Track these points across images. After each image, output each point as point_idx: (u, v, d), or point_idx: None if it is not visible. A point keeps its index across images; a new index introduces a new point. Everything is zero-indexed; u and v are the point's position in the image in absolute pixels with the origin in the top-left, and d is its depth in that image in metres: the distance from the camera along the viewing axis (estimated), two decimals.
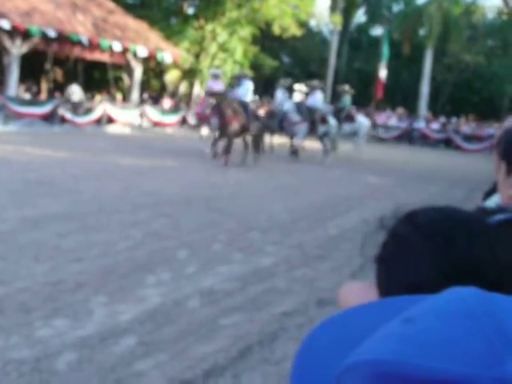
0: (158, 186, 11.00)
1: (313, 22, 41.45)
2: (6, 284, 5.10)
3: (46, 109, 19.75)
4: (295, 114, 17.37)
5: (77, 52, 21.81)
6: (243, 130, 14.91)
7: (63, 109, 20.31)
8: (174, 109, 25.63)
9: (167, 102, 26.60)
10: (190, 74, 30.77)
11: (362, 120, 20.31)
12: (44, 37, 19.61)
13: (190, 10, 32.93)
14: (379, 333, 0.61)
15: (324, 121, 17.75)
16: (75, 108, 20.92)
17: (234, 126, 14.60)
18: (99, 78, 27.04)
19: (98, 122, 21.55)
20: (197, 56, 30.09)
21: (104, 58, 23.01)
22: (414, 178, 15.62)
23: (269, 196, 11.10)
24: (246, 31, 31.19)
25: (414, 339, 0.57)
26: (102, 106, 21.77)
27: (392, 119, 31.98)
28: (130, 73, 24.45)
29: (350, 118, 19.74)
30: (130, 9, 27.95)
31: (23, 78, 20.97)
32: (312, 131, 17.59)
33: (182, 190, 10.81)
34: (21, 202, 8.43)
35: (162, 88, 30.44)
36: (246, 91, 15.45)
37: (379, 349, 0.58)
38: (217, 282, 5.68)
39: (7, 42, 19.05)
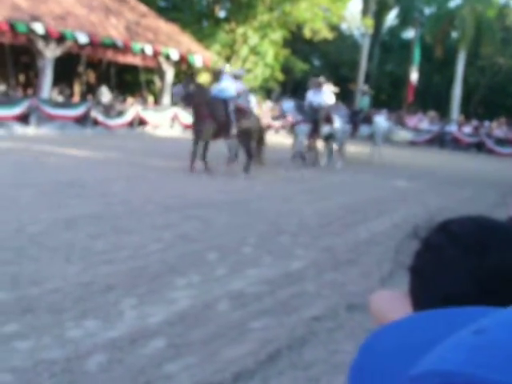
0: (188, 188, 11.06)
1: (344, 25, 41.30)
2: (38, 284, 5.16)
3: (78, 111, 19.96)
4: (296, 113, 16.03)
5: (109, 55, 22.02)
6: (220, 130, 13.21)
7: (95, 111, 20.51)
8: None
9: None
10: (220, 77, 30.83)
11: (379, 120, 19.21)
12: (77, 40, 19.82)
13: (222, 13, 33.06)
14: (449, 342, 0.59)
15: (329, 120, 16.40)
16: (107, 110, 21.14)
17: (209, 124, 13.01)
18: (131, 80, 27.24)
19: (130, 124, 21.73)
20: (228, 59, 30.16)
21: (136, 61, 23.19)
22: (446, 182, 15.46)
23: (298, 199, 11.08)
24: (277, 34, 31.21)
25: (486, 351, 0.56)
26: (134, 109, 21.95)
27: (423, 122, 31.70)
28: (162, 76, 24.61)
29: (369, 120, 18.79)
30: (162, 12, 28.16)
31: (57, 81, 21.22)
32: (314, 132, 16.23)
33: (212, 193, 10.85)
34: (53, 204, 8.53)
35: None
36: (225, 87, 13.67)
37: (450, 359, 0.57)
38: (246, 285, 5.68)
39: (41, 45, 19.30)
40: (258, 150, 13.98)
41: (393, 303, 1.02)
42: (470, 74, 37.86)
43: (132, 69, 25.53)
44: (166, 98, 24.11)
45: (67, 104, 20.59)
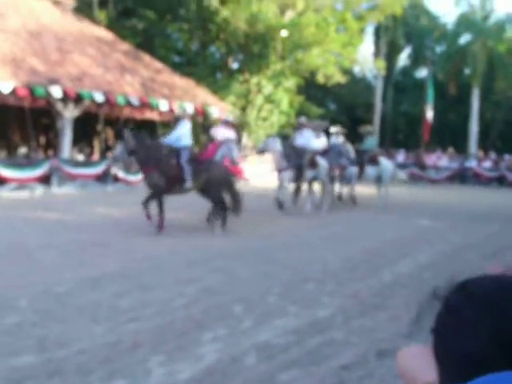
0: (210, 239, 11.09)
1: (357, 68, 41.73)
2: (65, 346, 5.17)
3: (98, 169, 20.20)
4: (280, 158, 15.06)
5: (126, 112, 22.37)
6: (173, 183, 11.78)
7: (115, 168, 20.74)
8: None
9: None
10: (237, 127, 31.15)
11: (386, 163, 18.54)
12: (94, 99, 20.18)
13: (235, 65, 33.57)
14: None
15: (314, 164, 15.59)
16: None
17: (155, 176, 11.63)
18: (149, 135, 27.59)
19: None
20: (243, 109, 30.52)
21: (153, 116, 23.53)
22: (468, 219, 15.34)
23: (321, 244, 11.05)
24: (290, 82, 31.59)
25: None
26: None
27: (442, 160, 31.65)
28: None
29: (374, 161, 17.97)
30: (176, 67, 28.68)
31: (76, 140, 21.55)
32: (298, 177, 15.50)
33: (234, 242, 10.87)
34: (78, 263, 8.59)
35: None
36: (181, 134, 12.14)
37: None
38: (273, 336, 5.65)
39: (60, 107, 19.67)
40: (233, 201, 12.42)
41: (421, 361, 1.03)
42: (486, 108, 37.89)
43: (149, 124, 25.89)
44: None
45: (87, 163, 20.87)
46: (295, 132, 16.42)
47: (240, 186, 14.33)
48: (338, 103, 44.38)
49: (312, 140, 15.90)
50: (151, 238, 11.00)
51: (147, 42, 30.85)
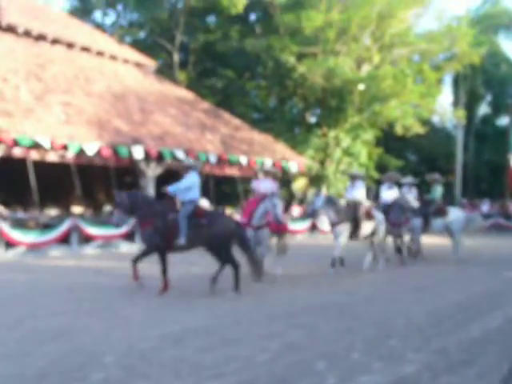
0: (292, 293, 11.01)
1: (436, 118, 41.30)
2: None
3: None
4: (329, 212, 14.08)
5: (207, 169, 22.80)
6: (170, 239, 10.78)
7: None
8: (303, 216, 25.90)
9: (296, 210, 26.97)
10: (316, 181, 31.26)
11: (456, 213, 17.24)
12: (176, 157, 20.70)
13: (313, 119, 33.86)
14: None
15: (370, 217, 14.66)
16: None
17: (150, 232, 10.77)
18: (229, 191, 27.99)
19: None
20: (322, 162, 30.62)
21: (233, 172, 23.88)
22: None
23: (404, 298, 10.80)
24: (368, 134, 31.57)
25: None
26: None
27: None
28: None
29: (442, 212, 16.90)
30: (255, 123, 29.18)
31: (159, 197, 22.02)
32: (355, 232, 14.33)
33: (316, 297, 10.75)
34: (161, 319, 8.68)
35: (291, 196, 30.98)
36: (189, 185, 11.17)
37: None
38: None
39: (143, 166, 20.26)
40: (250, 260, 11.36)
41: None
42: None
43: (229, 180, 26.30)
44: None
45: None
46: (350, 185, 15.28)
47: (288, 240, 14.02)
48: (417, 154, 43.90)
49: (359, 192, 14.69)
50: (232, 293, 11.02)
51: (226, 100, 31.61)
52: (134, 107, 22.72)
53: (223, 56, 33.65)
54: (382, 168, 31.93)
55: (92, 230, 18.21)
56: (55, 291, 9.35)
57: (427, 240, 17.73)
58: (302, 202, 29.54)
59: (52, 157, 17.82)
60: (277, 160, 24.57)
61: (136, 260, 10.74)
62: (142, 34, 37.45)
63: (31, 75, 20.55)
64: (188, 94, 27.53)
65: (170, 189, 11.15)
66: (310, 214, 15.02)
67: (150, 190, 20.73)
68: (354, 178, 15.09)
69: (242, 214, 13.50)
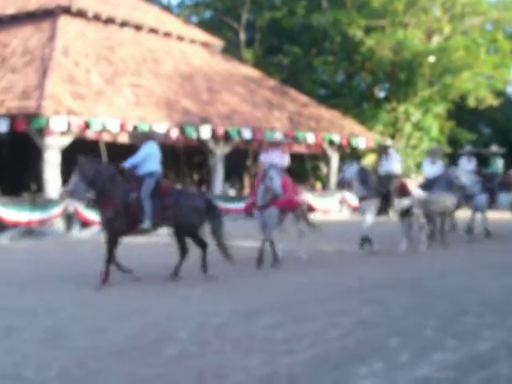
0: (364, 270, 10.94)
1: (510, 89, 39.97)
2: (222, 378, 5.25)
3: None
4: (358, 185, 12.96)
5: None
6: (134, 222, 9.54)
7: None
8: None
9: None
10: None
11: None
12: (243, 136, 20.76)
13: (381, 94, 33.31)
14: None
15: (405, 191, 13.25)
16: None
17: (111, 214, 9.40)
18: (298, 169, 27.91)
19: None
20: (392, 137, 30.12)
21: (301, 149, 23.78)
22: None
23: (478, 275, 10.58)
24: (439, 107, 30.82)
25: None
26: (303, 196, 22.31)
27: None
28: (327, 161, 24.98)
29: (507, 186, 15.79)
30: (322, 100, 28.91)
31: (227, 176, 22.19)
32: (385, 206, 13.02)
33: (389, 274, 10.65)
34: (233, 296, 8.77)
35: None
36: (146, 157, 9.86)
37: None
38: (432, 370, 5.43)
39: (212, 145, 20.40)
40: (218, 243, 10.18)
41: None
42: None
43: (297, 157, 26.20)
44: (333, 183, 24.35)
45: (238, 197, 21.39)
46: (381, 157, 14.35)
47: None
48: (491, 127, 42.62)
49: (396, 164, 13.53)
50: (303, 269, 11.02)
51: (293, 77, 31.41)
52: (202, 87, 22.84)
53: (289, 32, 33.39)
54: (453, 142, 31.17)
55: None
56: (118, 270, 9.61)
57: (494, 216, 16.88)
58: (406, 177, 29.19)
59: (123, 138, 18.14)
60: (345, 136, 24.33)
61: (109, 260, 9.37)
62: (207, 14, 37.55)
63: (101, 58, 20.91)
64: (255, 72, 27.49)
65: (126, 164, 9.80)
66: (340, 184, 13.90)
67: (219, 169, 20.89)
68: (385, 149, 13.97)
69: (251, 194, 12.09)
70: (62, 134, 16.67)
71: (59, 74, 18.29)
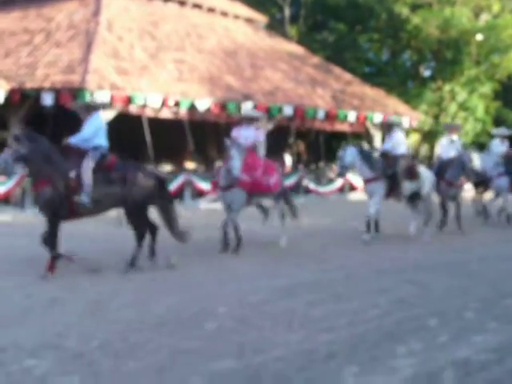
0: (402, 251, 10.87)
1: None
2: (263, 352, 5.31)
3: (291, 181, 20.61)
4: (362, 166, 11.82)
5: (317, 125, 22.66)
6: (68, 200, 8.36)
7: (307, 180, 21.15)
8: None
9: None
10: (430, 136, 30.42)
11: None
12: (285, 113, 20.69)
13: (427, 73, 32.79)
14: None
15: (413, 174, 12.25)
16: (318, 178, 21.78)
17: (46, 193, 8.31)
18: (340, 147, 27.74)
19: (341, 190, 22.05)
20: (436, 117, 29.70)
21: (344, 127, 23.63)
22: None
23: None
24: (486, 87, 30.23)
25: None
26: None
27: None
28: (370, 140, 24.78)
29: None
30: (367, 78, 28.59)
31: (268, 153, 22.14)
32: (393, 191, 11.96)
33: (427, 255, 10.58)
34: (271, 273, 8.81)
35: None
36: (93, 130, 8.76)
37: None
38: (472, 352, 5.39)
39: None
40: (166, 225, 9.23)
41: None
42: None
43: (340, 135, 26.04)
44: None
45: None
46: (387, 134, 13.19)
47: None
48: None
49: (399, 143, 12.34)
50: (343, 248, 11.01)
51: (337, 54, 31.08)
52: (245, 63, 22.80)
53: (335, 9, 32.98)
54: (500, 122, 30.56)
55: (204, 185, 18.60)
56: (170, 245, 9.66)
57: None
58: (414, 158, 28.87)
59: (166, 113, 18.25)
60: (389, 115, 24.06)
61: (51, 245, 8.32)
62: None
63: (145, 33, 21.00)
64: (298, 49, 27.31)
65: (72, 140, 8.74)
66: (340, 172, 12.43)
67: (261, 146, 20.85)
68: (389, 127, 12.97)
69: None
70: (105, 108, 16.81)
71: (103, 48, 18.45)
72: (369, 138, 24.79)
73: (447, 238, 12.65)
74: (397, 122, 13.59)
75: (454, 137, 13.98)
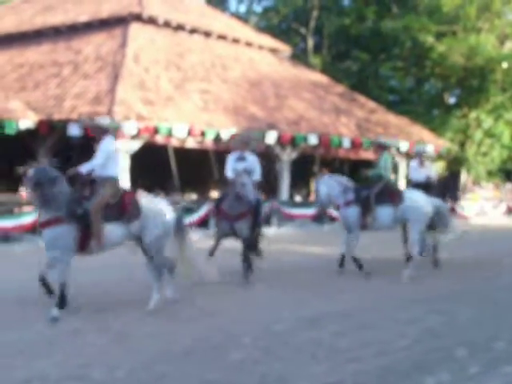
0: (427, 280, 10.72)
1: None
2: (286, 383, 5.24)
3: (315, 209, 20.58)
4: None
5: (342, 153, 22.61)
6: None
7: (331, 208, 21.03)
8: (442, 200, 25.11)
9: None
10: (455, 164, 30.23)
11: None
12: (309, 142, 20.71)
13: (452, 100, 32.70)
14: None
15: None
16: None
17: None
18: (365, 175, 27.65)
19: None
20: (462, 144, 29.55)
21: (368, 155, 23.55)
22: None
23: None
24: None
25: None
26: None
27: None
28: (395, 168, 24.65)
29: None
30: (391, 106, 28.57)
31: (294, 182, 22.17)
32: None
33: (454, 284, 10.41)
34: (295, 302, 8.73)
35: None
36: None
37: None
38: (503, 383, 5.28)
39: (278, 151, 20.43)
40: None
41: None
42: None
43: (365, 163, 25.95)
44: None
45: (305, 203, 21.36)
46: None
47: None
48: None
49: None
50: (364, 278, 10.89)
51: (361, 83, 31.17)
52: (269, 93, 22.91)
53: (358, 38, 33.17)
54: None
55: None
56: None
57: None
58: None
59: (191, 143, 18.36)
60: (413, 143, 23.96)
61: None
62: (276, 20, 37.67)
63: (171, 64, 21.23)
64: (322, 78, 27.41)
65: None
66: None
67: (286, 175, 20.90)
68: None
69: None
70: (132, 138, 16.99)
71: (130, 80, 18.67)
72: (394, 166, 24.66)
73: (472, 266, 12.43)
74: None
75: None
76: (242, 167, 10.23)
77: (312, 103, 23.64)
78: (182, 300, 8.68)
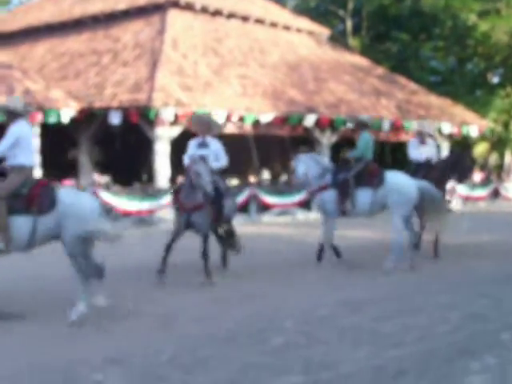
0: (475, 262, 10.57)
1: None
2: (330, 368, 5.23)
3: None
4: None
5: (383, 136, 22.37)
6: None
7: None
8: (485, 182, 24.76)
9: (477, 176, 25.78)
10: (499, 145, 29.70)
11: None
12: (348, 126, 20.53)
13: (495, 80, 32.06)
14: None
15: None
16: None
17: None
18: (404, 158, 27.35)
19: None
20: (506, 125, 28.99)
21: (409, 138, 23.24)
22: None
23: None
24: None
25: None
26: None
27: None
28: (437, 150, 24.30)
29: None
30: (432, 87, 28.13)
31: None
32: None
33: (503, 268, 10.21)
34: (337, 286, 8.71)
35: (472, 162, 29.67)
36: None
37: None
38: None
39: (318, 134, 20.33)
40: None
41: None
42: None
43: (405, 146, 25.64)
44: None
45: None
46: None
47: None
48: None
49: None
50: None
51: (401, 64, 30.73)
52: (308, 76, 22.77)
53: (397, 19, 32.67)
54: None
55: (269, 199, 18.67)
56: (233, 257, 9.74)
57: None
58: (483, 167, 28.21)
59: (230, 128, 18.37)
60: (456, 124, 23.60)
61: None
62: (313, 2, 37.31)
63: (209, 50, 21.24)
64: (362, 60, 27.12)
65: None
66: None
67: (325, 159, 20.77)
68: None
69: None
70: (171, 125, 17.07)
71: (168, 66, 18.74)
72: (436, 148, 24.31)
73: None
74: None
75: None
76: (202, 154, 9.24)
77: (351, 86, 23.43)
78: (225, 284, 8.74)
